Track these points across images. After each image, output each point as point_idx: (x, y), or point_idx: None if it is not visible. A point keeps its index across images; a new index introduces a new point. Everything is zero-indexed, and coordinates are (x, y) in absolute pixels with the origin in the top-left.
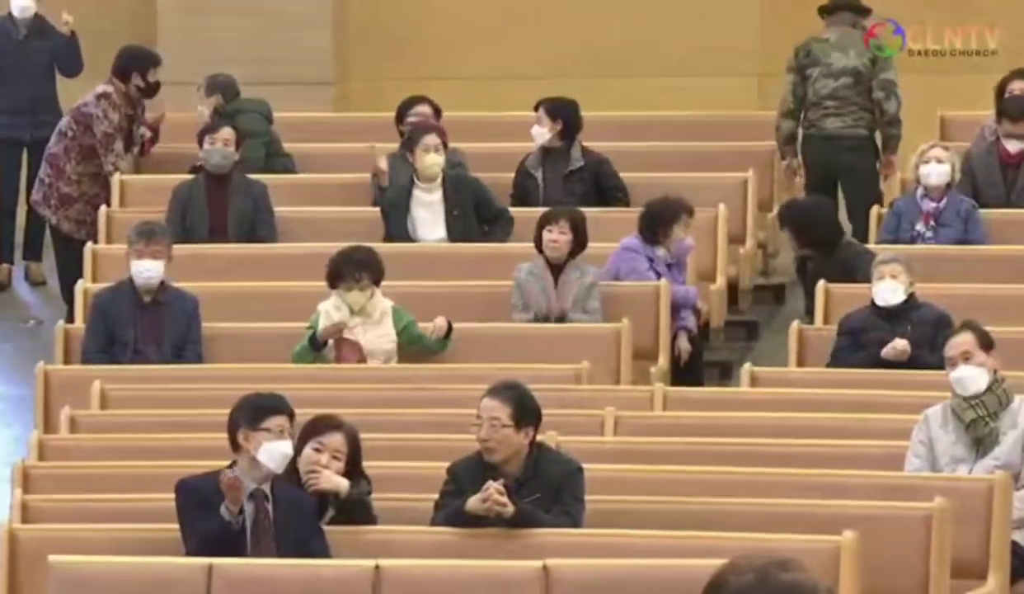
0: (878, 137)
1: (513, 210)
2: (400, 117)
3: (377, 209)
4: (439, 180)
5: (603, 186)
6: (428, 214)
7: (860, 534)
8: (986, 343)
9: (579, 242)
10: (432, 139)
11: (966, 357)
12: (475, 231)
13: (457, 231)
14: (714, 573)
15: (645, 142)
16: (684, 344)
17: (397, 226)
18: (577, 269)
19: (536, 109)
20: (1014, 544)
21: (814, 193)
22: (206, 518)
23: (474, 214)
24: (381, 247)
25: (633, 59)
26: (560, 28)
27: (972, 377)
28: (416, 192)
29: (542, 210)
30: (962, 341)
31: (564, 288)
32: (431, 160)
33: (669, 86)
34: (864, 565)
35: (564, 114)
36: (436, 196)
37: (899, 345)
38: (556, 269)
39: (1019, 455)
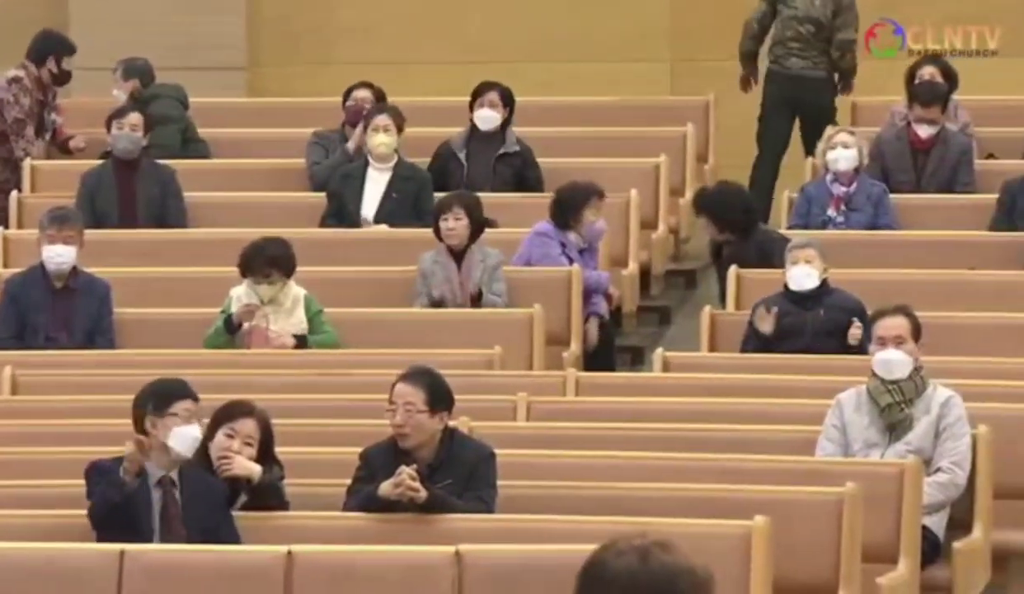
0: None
1: (442, 195)
2: (344, 101)
3: (293, 193)
4: (392, 162)
5: (526, 175)
6: (374, 193)
7: (771, 519)
8: (916, 332)
9: (476, 226)
10: (382, 119)
11: (898, 341)
12: (406, 220)
13: (384, 214)
14: (590, 555)
15: (558, 127)
16: (593, 330)
17: (338, 206)
18: (480, 252)
19: (479, 94)
20: (925, 529)
21: (768, 124)
22: (103, 487)
23: (413, 206)
24: (293, 233)
25: (547, 45)
26: (475, 14)
27: (899, 362)
28: (369, 170)
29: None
30: (898, 325)
31: (468, 273)
32: (379, 140)
33: (582, 72)
34: (775, 550)
35: (512, 100)
36: (385, 177)
37: (856, 330)
38: (458, 255)
39: (931, 441)
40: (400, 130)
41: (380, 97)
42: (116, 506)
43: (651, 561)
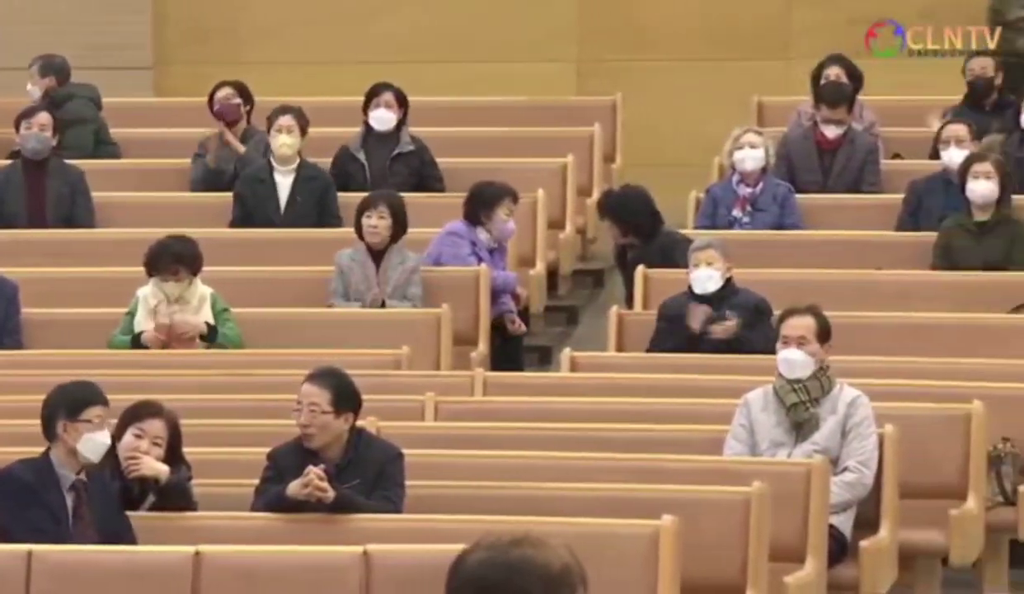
0: None
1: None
2: (210, 101)
3: (200, 194)
4: (295, 164)
5: (424, 174)
6: (281, 196)
7: (679, 518)
8: (824, 333)
9: (399, 227)
10: (285, 120)
11: (801, 342)
12: (311, 221)
13: (289, 217)
14: (458, 553)
15: (465, 127)
16: (512, 324)
17: (245, 210)
18: (399, 254)
19: (374, 95)
20: (832, 528)
21: None
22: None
23: (317, 208)
24: (201, 233)
25: (455, 46)
26: (383, 15)
27: (800, 362)
28: (275, 173)
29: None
30: (803, 325)
31: (386, 274)
32: (281, 141)
33: (489, 72)
34: (683, 549)
35: (406, 100)
36: (288, 179)
37: (730, 324)
38: (377, 255)
39: (838, 440)
40: (304, 132)
41: (243, 91)
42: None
43: (497, 556)
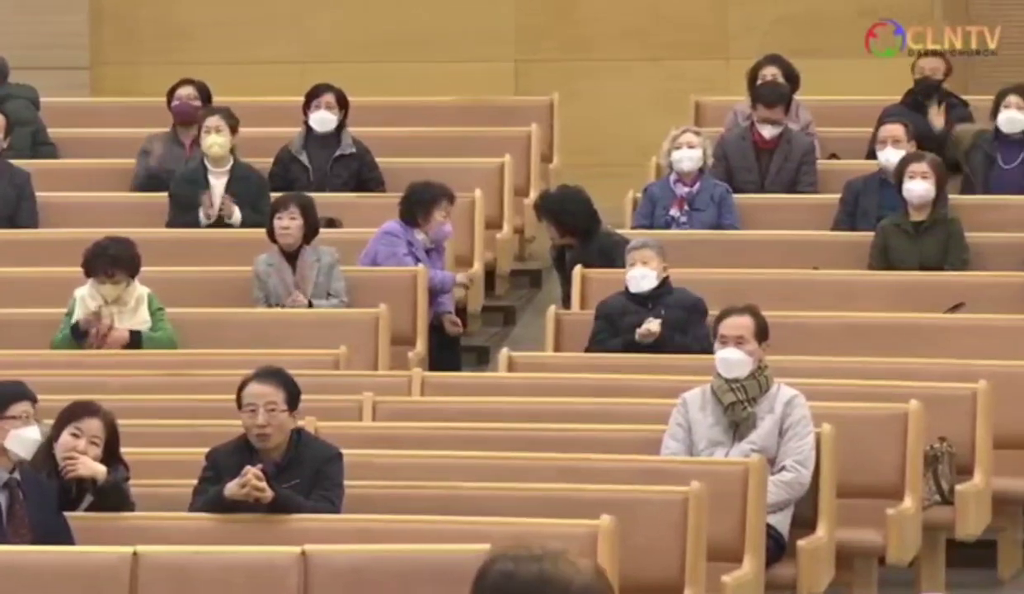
0: None
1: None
2: (168, 100)
3: (138, 194)
4: (228, 165)
5: (365, 176)
6: (215, 197)
7: (617, 518)
8: (762, 332)
9: (310, 227)
10: (213, 120)
11: (739, 341)
12: (245, 221)
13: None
14: (484, 560)
15: (403, 128)
16: (452, 321)
17: (179, 210)
18: (313, 253)
19: (314, 97)
20: (769, 528)
21: None
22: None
23: (251, 208)
24: (138, 233)
25: (392, 45)
26: (319, 14)
27: (737, 361)
28: (208, 174)
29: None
30: (741, 324)
31: (303, 274)
32: (211, 141)
33: (427, 72)
34: (622, 549)
35: (347, 101)
36: (222, 180)
37: (653, 327)
38: (292, 256)
39: (775, 440)
40: (234, 131)
41: (205, 94)
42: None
43: (519, 569)
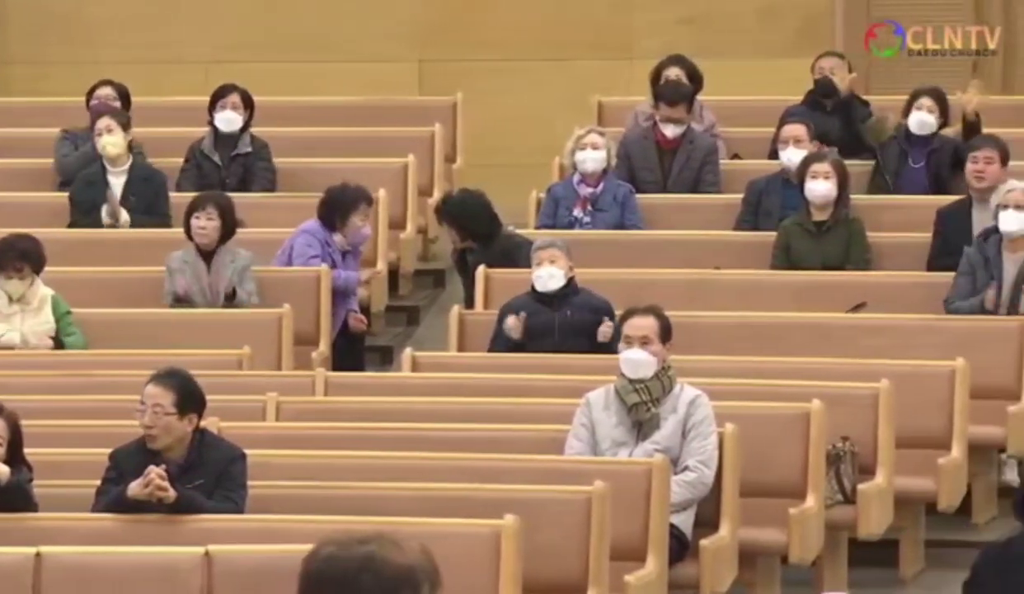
0: None
1: (190, 195)
2: (87, 100)
3: (43, 193)
4: (127, 165)
5: (256, 171)
6: (114, 195)
7: (521, 518)
8: (666, 333)
9: (227, 227)
10: (104, 122)
11: (644, 341)
12: (145, 221)
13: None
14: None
15: (306, 127)
16: (357, 317)
17: (81, 209)
18: (229, 253)
19: (220, 97)
20: (673, 527)
21: None
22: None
23: (151, 207)
24: (43, 233)
25: (296, 45)
26: (225, 13)
27: (642, 361)
28: (107, 175)
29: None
30: (645, 325)
31: (218, 274)
32: (104, 141)
33: (330, 72)
34: (525, 549)
35: (252, 102)
36: (121, 180)
37: (604, 332)
38: (207, 255)
39: (679, 440)
40: (126, 128)
41: (123, 95)
42: None
43: (341, 553)
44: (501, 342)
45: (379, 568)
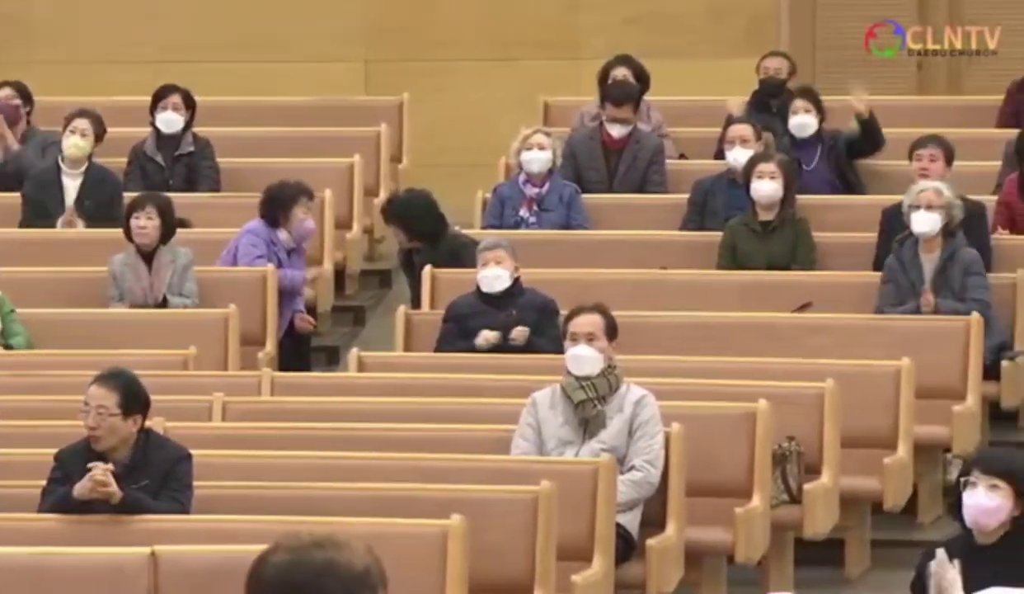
0: None
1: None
2: None
3: None
4: (84, 167)
5: (197, 167)
6: (68, 198)
7: (467, 518)
8: (611, 330)
9: (167, 227)
10: (81, 123)
11: (590, 338)
12: (101, 223)
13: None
14: (257, 555)
15: (253, 127)
16: (304, 318)
17: (35, 209)
18: (169, 253)
19: (161, 98)
20: (619, 527)
21: None
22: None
23: (107, 209)
24: None
25: (241, 44)
26: (170, 13)
27: (589, 358)
28: (63, 176)
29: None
30: (591, 321)
31: (159, 274)
32: (72, 142)
33: (277, 72)
34: (472, 549)
35: (194, 102)
36: (76, 181)
37: (490, 336)
38: (148, 256)
39: (625, 439)
40: (99, 139)
41: (24, 94)
42: None
43: (303, 560)
44: (447, 342)
45: (338, 572)
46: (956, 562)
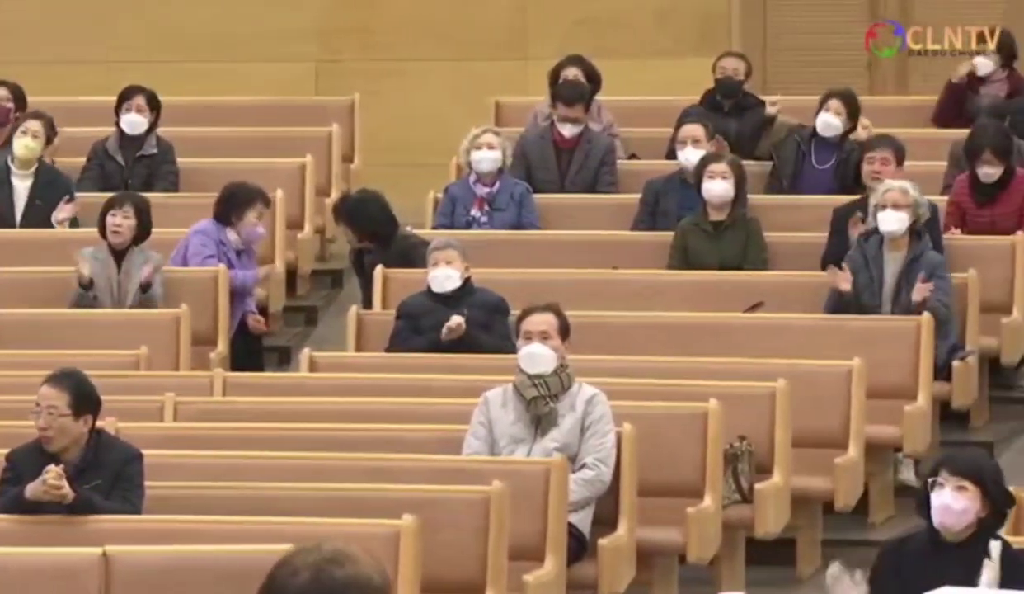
0: None
1: (94, 195)
2: None
3: None
4: (33, 168)
5: (160, 173)
6: (18, 200)
7: (419, 518)
8: (564, 330)
9: (143, 228)
10: (33, 125)
11: (544, 337)
12: (50, 225)
13: (29, 220)
14: (269, 572)
15: (204, 127)
16: (255, 318)
17: None
18: (141, 254)
19: (125, 99)
20: (571, 526)
21: None
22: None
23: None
24: None
25: (193, 45)
26: (122, 13)
27: (542, 356)
28: (12, 177)
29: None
30: (544, 320)
31: (129, 274)
32: (24, 143)
33: (228, 72)
34: (424, 549)
35: (158, 104)
36: (26, 183)
37: (453, 322)
38: (120, 255)
39: (577, 438)
40: (49, 141)
41: (18, 95)
42: None
43: (323, 579)
44: (401, 339)
45: (363, 588)
46: (858, 573)
